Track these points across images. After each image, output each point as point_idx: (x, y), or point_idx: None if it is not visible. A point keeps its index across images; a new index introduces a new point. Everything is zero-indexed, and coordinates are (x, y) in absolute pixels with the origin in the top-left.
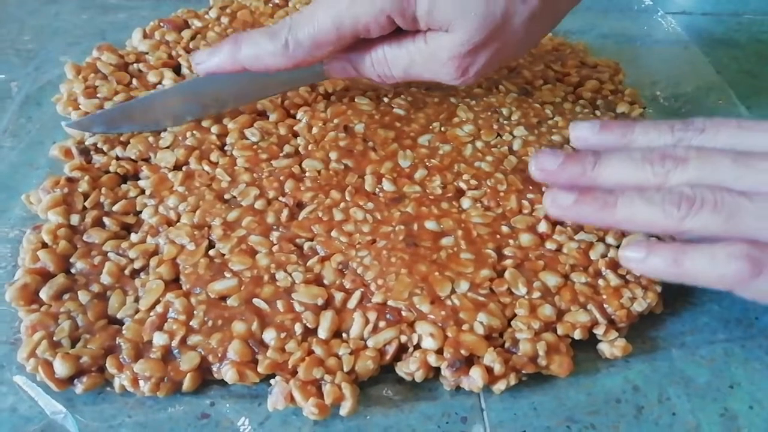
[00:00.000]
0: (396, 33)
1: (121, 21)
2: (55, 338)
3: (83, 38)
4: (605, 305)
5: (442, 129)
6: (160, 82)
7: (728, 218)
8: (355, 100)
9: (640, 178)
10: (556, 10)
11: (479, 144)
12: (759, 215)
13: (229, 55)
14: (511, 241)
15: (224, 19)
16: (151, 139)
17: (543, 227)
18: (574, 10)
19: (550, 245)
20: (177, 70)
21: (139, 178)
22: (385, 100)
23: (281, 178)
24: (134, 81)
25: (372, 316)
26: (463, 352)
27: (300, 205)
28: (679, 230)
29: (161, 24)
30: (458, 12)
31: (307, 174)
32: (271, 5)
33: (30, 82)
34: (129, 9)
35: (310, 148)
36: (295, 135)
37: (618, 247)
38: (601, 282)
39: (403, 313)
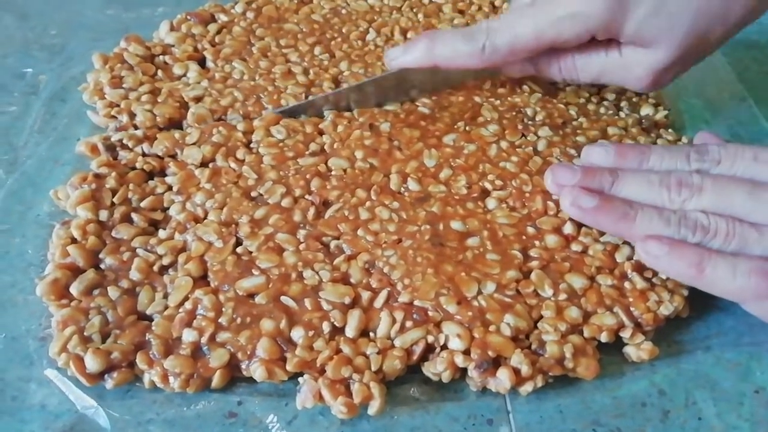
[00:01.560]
0: (587, 41)
1: (145, 17)
2: (85, 333)
3: (108, 34)
4: (632, 308)
5: (467, 128)
6: (184, 75)
7: (737, 249)
8: None
9: (657, 201)
10: (738, 29)
11: (504, 144)
12: (766, 247)
13: (424, 53)
14: (536, 243)
15: (250, 14)
16: (177, 135)
17: (569, 229)
18: None
19: (575, 247)
20: (202, 63)
21: (165, 175)
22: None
23: (307, 176)
24: (159, 72)
25: (399, 315)
26: (490, 353)
27: (326, 204)
28: None
29: (188, 17)
30: (665, 32)
31: (333, 172)
32: (296, 1)
33: (56, 77)
34: (152, 5)
35: (335, 146)
36: (321, 133)
37: None
38: (627, 285)
39: (430, 313)
